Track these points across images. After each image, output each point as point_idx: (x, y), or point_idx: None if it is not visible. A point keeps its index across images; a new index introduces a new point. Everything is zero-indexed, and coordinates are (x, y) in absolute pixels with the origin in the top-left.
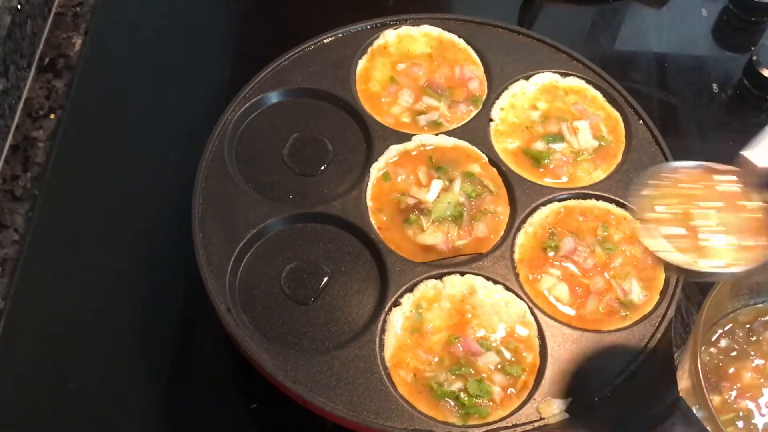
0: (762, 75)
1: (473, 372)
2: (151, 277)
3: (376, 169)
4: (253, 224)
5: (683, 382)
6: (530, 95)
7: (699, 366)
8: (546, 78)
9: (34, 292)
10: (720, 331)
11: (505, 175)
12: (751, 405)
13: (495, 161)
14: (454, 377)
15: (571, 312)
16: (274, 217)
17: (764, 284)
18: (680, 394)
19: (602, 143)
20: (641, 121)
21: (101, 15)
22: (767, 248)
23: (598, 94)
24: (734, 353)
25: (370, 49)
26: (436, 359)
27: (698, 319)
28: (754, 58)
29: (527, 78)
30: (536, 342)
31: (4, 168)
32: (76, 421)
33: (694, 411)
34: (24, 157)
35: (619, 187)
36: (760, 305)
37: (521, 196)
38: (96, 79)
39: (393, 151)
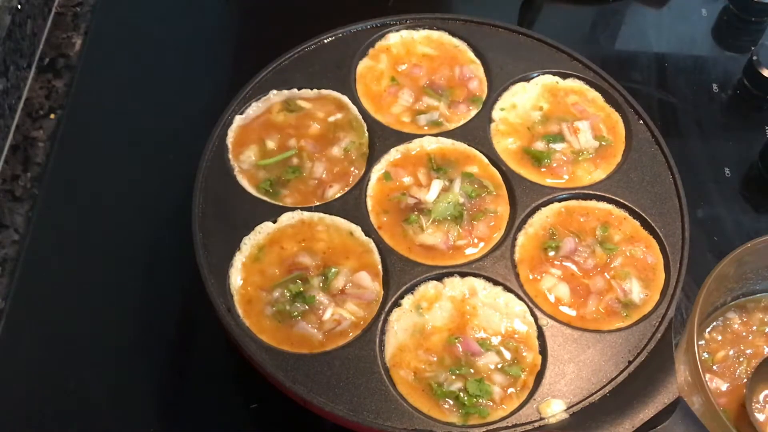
0: (762, 75)
1: (473, 372)
2: (151, 277)
3: (376, 170)
4: (252, 224)
5: (680, 375)
6: (531, 95)
7: (697, 353)
8: (546, 78)
9: (34, 292)
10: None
11: (506, 175)
12: None
13: (495, 161)
14: (454, 377)
15: (572, 312)
16: (274, 217)
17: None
18: (677, 389)
19: (603, 143)
20: (641, 121)
21: (101, 15)
22: None
23: (598, 94)
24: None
25: (370, 50)
26: (436, 359)
27: (694, 308)
28: (754, 58)
29: (527, 78)
30: (536, 342)
31: (4, 168)
32: (76, 421)
33: (691, 403)
34: (24, 157)
35: (619, 187)
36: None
37: (521, 197)
38: (96, 79)
39: (393, 151)
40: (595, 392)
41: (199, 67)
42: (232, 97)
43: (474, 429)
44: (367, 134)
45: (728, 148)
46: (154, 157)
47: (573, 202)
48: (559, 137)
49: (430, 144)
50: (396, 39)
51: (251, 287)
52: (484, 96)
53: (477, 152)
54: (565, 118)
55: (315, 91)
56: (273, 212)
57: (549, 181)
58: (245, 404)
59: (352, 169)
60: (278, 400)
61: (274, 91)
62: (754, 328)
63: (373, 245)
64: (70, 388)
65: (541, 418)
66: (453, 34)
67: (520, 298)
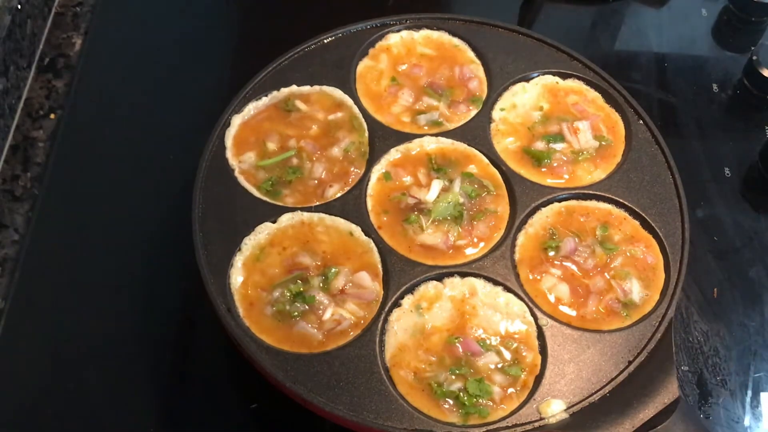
0: (762, 75)
1: (473, 372)
2: (151, 277)
3: (376, 170)
4: (253, 224)
5: None
6: (531, 95)
7: None
8: (546, 78)
9: (34, 292)
10: None
11: (506, 175)
12: None
13: (495, 161)
14: (454, 377)
15: (572, 312)
16: (274, 217)
17: None
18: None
19: (603, 143)
20: (641, 121)
21: (101, 15)
22: None
23: (598, 94)
24: None
25: (370, 50)
26: (436, 359)
27: None
28: (754, 58)
29: (527, 78)
30: (536, 342)
31: (4, 168)
32: (76, 421)
33: None
34: (24, 157)
35: (619, 187)
36: None
37: (521, 196)
38: (96, 79)
39: (393, 151)
40: (595, 392)
41: (199, 67)
42: (232, 97)
43: (474, 429)
44: (367, 134)
45: (728, 148)
46: (154, 157)
47: (573, 202)
48: (559, 137)
49: (430, 144)
50: (396, 39)
51: (251, 287)
52: (484, 96)
53: (477, 152)
54: (565, 118)
55: (316, 87)
56: (273, 212)
57: (549, 181)
58: (245, 404)
59: (352, 169)
60: (278, 400)
61: (274, 91)
62: None
63: (373, 245)
64: (70, 388)
65: (541, 418)
66: (453, 34)
67: (520, 298)
